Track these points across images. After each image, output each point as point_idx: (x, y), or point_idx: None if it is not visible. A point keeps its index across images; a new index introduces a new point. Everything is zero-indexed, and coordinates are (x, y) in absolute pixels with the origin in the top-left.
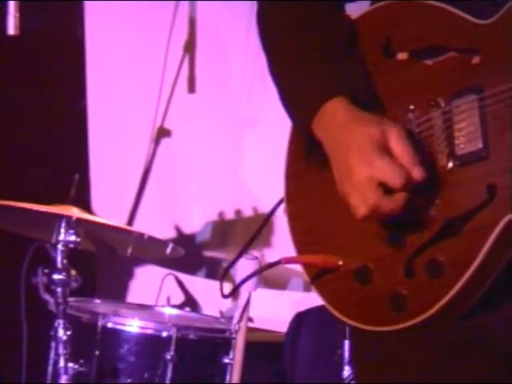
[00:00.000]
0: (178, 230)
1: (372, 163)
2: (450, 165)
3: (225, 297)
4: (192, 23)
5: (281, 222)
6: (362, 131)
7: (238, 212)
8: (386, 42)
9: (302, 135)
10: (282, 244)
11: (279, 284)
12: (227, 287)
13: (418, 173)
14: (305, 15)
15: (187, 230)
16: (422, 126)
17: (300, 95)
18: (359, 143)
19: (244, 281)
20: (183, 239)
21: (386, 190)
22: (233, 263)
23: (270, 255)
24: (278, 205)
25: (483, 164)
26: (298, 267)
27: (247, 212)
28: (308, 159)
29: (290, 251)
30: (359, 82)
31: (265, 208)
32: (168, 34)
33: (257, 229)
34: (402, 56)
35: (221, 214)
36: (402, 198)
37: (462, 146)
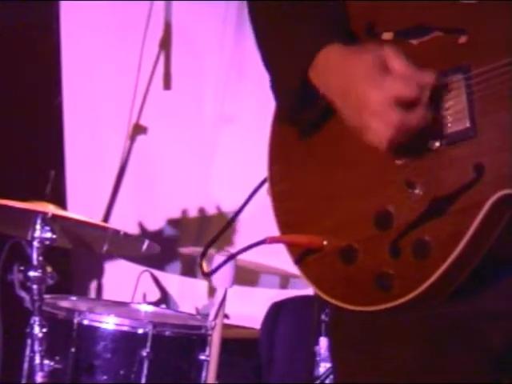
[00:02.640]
0: (153, 226)
1: (382, 84)
2: (437, 144)
3: (206, 275)
4: (167, 20)
5: (244, 223)
6: (360, 60)
7: (215, 208)
8: (370, 22)
9: (291, 94)
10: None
11: (255, 281)
12: (202, 287)
13: (428, 75)
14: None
15: (163, 226)
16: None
17: (292, 50)
18: (362, 71)
19: (228, 259)
20: (159, 236)
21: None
22: (212, 242)
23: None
24: (260, 186)
25: (470, 143)
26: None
27: (224, 208)
28: (297, 122)
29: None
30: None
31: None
32: (144, 31)
33: (240, 205)
34: (387, 36)
35: (197, 211)
36: (421, 109)
37: (449, 125)
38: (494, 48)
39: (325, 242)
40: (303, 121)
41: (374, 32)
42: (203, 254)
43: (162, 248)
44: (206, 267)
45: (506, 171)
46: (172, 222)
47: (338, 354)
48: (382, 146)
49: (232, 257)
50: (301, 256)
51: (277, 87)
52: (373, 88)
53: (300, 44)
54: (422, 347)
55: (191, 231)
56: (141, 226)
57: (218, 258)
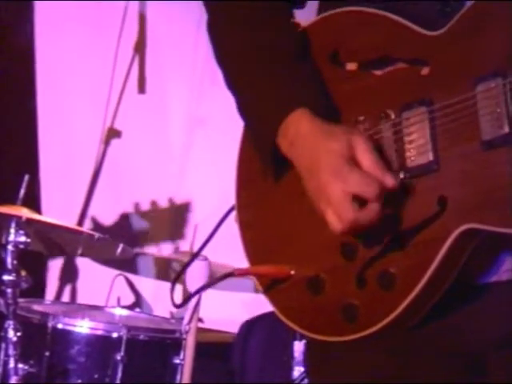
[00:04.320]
0: (128, 230)
1: (344, 178)
2: (401, 176)
3: (177, 306)
4: (142, 23)
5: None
6: (328, 147)
7: (189, 211)
8: (335, 51)
9: (264, 154)
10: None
11: (229, 285)
12: (177, 290)
13: (390, 180)
14: (257, 25)
15: (137, 230)
16: (372, 138)
17: (261, 111)
18: (328, 160)
19: (196, 292)
20: (133, 239)
21: (360, 202)
22: (184, 269)
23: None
24: (229, 212)
25: (434, 176)
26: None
27: (197, 210)
28: (271, 178)
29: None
30: (317, 89)
31: (215, 208)
32: (118, 34)
33: (208, 235)
34: (351, 66)
35: (171, 214)
36: (376, 208)
37: (412, 158)
38: (456, 81)
39: (292, 272)
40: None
41: (339, 61)
42: (172, 288)
43: (136, 251)
44: (175, 300)
45: (469, 204)
46: (146, 225)
47: (311, 366)
48: (335, 233)
49: (199, 291)
50: (269, 285)
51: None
52: (335, 180)
53: (269, 103)
54: (389, 359)
55: (165, 234)
56: (115, 229)
57: (194, 264)
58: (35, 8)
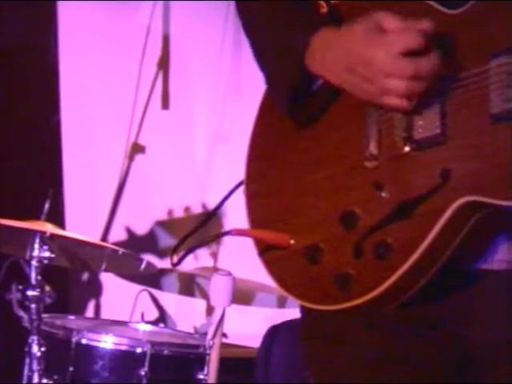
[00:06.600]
0: (151, 245)
1: (383, 42)
2: (407, 149)
3: (174, 265)
4: (165, 39)
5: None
6: (355, 29)
7: (211, 225)
8: None
9: (290, 86)
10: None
11: (253, 300)
12: (201, 305)
13: (426, 22)
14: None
15: (161, 246)
16: (382, 110)
17: (286, 44)
18: (361, 37)
19: (191, 250)
20: (156, 254)
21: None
22: (188, 235)
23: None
24: (237, 187)
25: (440, 149)
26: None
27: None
28: (292, 115)
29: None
30: None
31: (237, 223)
32: (142, 50)
33: (214, 207)
34: None
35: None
36: (434, 54)
37: (420, 130)
38: (471, 56)
39: (292, 241)
40: (302, 113)
41: None
42: (176, 247)
43: (160, 267)
44: (175, 259)
45: (472, 178)
46: (170, 240)
47: (306, 347)
48: (404, 105)
49: (195, 248)
50: (266, 251)
51: (274, 82)
52: (376, 49)
53: (293, 34)
54: (387, 341)
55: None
56: (139, 245)
57: (217, 278)
58: (59, 23)
